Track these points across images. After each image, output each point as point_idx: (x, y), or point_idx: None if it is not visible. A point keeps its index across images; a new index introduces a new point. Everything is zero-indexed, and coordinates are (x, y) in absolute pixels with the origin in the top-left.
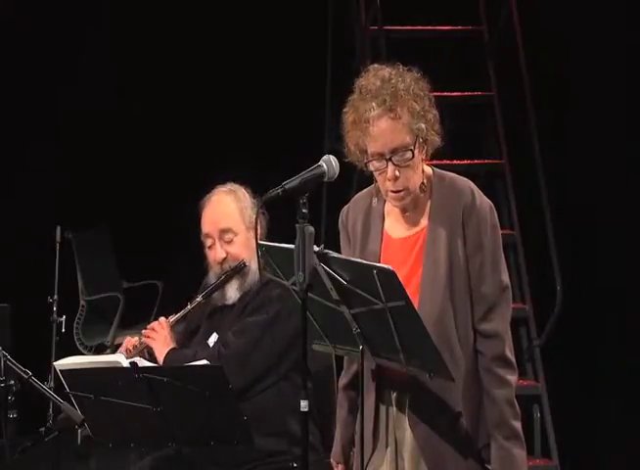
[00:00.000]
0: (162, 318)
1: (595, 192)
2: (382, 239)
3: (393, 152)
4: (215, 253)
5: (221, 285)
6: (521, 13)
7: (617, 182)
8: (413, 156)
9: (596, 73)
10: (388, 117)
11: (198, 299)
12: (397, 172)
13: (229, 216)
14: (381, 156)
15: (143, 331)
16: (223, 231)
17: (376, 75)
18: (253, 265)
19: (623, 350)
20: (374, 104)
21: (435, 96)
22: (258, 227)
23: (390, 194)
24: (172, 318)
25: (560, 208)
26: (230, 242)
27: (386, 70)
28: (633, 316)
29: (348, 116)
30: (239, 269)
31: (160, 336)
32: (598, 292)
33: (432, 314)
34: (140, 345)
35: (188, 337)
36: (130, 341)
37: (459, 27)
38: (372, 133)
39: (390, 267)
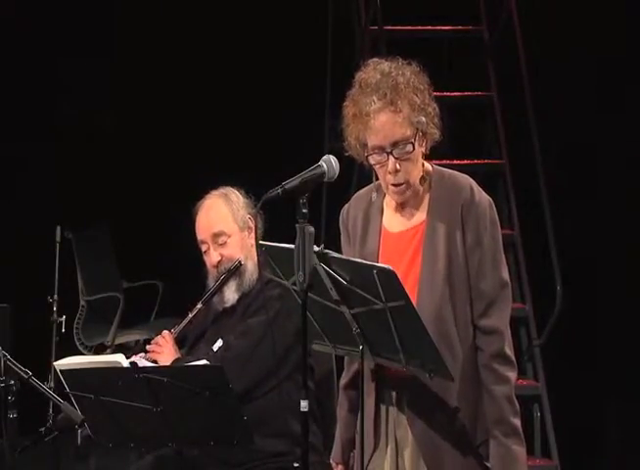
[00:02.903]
0: (166, 332)
1: (595, 192)
2: (380, 234)
3: (394, 145)
4: (210, 257)
5: (219, 288)
6: (521, 13)
7: (618, 182)
8: (413, 148)
9: (596, 73)
10: (388, 111)
11: (198, 306)
12: (398, 165)
13: (220, 220)
14: (381, 149)
15: (147, 347)
16: (216, 235)
17: (375, 69)
18: (250, 264)
19: (623, 349)
20: (374, 97)
21: (435, 96)
22: (255, 227)
23: (391, 188)
24: (175, 330)
25: (560, 207)
26: (224, 244)
27: (385, 64)
28: (633, 316)
29: (349, 109)
30: (234, 269)
31: (165, 349)
32: (598, 292)
33: (430, 308)
34: (146, 360)
35: (194, 343)
36: (135, 356)
37: (459, 27)
38: (373, 126)
39: (391, 267)
